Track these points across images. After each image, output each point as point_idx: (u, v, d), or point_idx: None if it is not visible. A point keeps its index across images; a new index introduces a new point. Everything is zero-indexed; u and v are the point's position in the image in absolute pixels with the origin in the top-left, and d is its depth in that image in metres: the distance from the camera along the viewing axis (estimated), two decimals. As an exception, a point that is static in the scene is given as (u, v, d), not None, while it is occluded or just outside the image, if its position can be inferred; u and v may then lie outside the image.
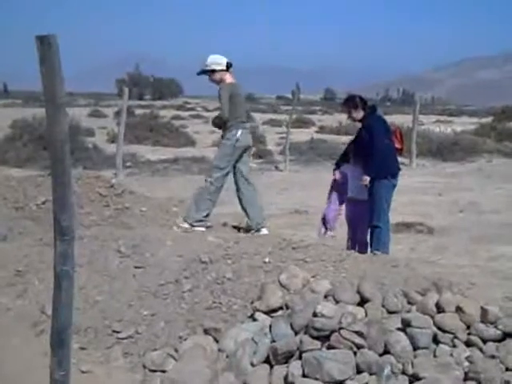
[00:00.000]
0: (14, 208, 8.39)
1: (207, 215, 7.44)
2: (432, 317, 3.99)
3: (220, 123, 7.37)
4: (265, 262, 5.31)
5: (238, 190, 7.62)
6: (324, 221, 7.45)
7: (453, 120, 51.30)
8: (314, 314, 4.13)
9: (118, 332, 4.84)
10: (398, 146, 7.17)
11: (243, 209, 7.56)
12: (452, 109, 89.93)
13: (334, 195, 7.39)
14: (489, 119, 41.18)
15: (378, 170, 6.80)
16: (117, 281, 5.36)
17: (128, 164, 17.19)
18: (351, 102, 7.14)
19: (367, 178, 6.79)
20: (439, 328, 3.93)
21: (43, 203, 8.53)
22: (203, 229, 7.20)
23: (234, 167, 7.44)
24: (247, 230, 7.56)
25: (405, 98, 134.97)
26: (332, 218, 7.37)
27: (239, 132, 7.24)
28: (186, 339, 4.60)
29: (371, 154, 6.74)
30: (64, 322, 3.01)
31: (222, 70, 7.24)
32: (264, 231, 7.30)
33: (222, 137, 7.38)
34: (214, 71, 7.23)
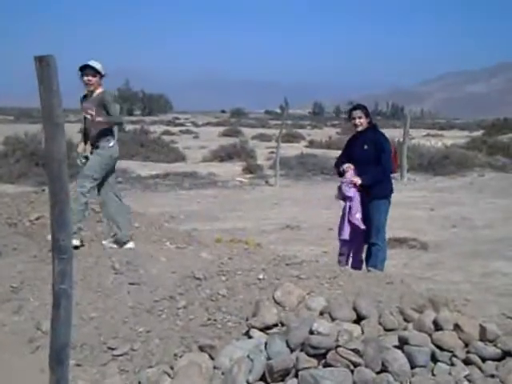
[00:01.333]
0: (7, 224, 8.36)
1: (80, 228, 7.07)
2: (430, 335, 3.96)
3: (102, 131, 6.96)
4: (259, 279, 5.30)
5: (105, 201, 7.18)
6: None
7: (443, 134, 51.57)
8: (310, 332, 4.11)
9: (113, 349, 4.81)
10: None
11: (112, 220, 7.14)
12: (442, 122, 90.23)
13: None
14: (479, 133, 41.42)
15: (383, 188, 6.86)
16: (111, 297, 5.34)
17: (119, 179, 17.15)
18: (365, 109, 7.11)
19: (359, 180, 6.77)
20: (437, 346, 3.90)
21: (37, 219, 8.50)
22: (78, 242, 6.76)
23: (103, 178, 7.07)
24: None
25: (394, 111, 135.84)
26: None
27: (114, 142, 6.95)
28: (181, 356, 4.57)
29: (376, 169, 6.77)
30: (62, 340, 2.99)
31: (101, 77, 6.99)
32: (130, 245, 7.02)
33: (94, 146, 6.92)
34: (102, 76, 6.94)
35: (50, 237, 2.99)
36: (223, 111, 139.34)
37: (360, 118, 7.04)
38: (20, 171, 17.75)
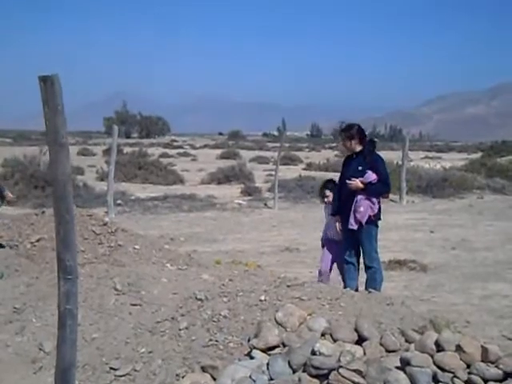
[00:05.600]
0: (8, 246, 8.40)
1: None
2: (431, 355, 3.96)
3: None
4: (261, 300, 5.32)
5: None
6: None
7: (441, 156, 51.71)
8: (313, 352, 4.13)
9: (115, 369, 4.82)
10: None
11: None
12: (440, 145, 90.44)
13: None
14: (478, 155, 41.51)
15: (378, 213, 6.95)
16: (113, 318, 5.35)
17: (118, 202, 17.19)
18: (347, 132, 7.07)
19: (358, 184, 6.84)
20: (439, 367, 3.89)
21: (37, 241, 8.52)
22: None
23: None
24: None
25: (392, 133, 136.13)
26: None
27: None
28: (183, 377, 4.58)
29: (376, 185, 6.87)
30: (68, 360, 3.02)
31: None
32: None
33: None
34: None
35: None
36: (220, 133, 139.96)
37: (345, 142, 7.11)
38: (19, 193, 17.68)
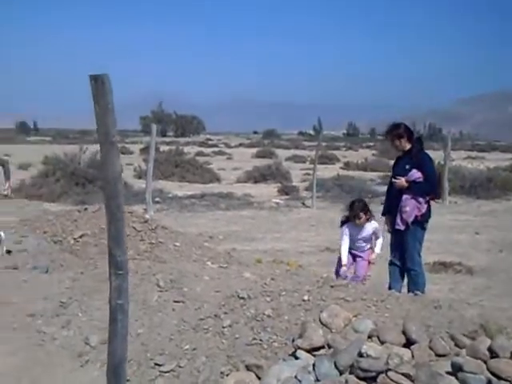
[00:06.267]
0: (52, 241, 8.55)
1: None
2: (484, 362, 3.85)
3: None
4: (304, 300, 5.27)
5: None
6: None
7: (484, 156, 50.57)
8: (360, 354, 4.07)
9: (160, 365, 4.85)
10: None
11: None
12: (482, 144, 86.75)
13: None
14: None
15: (426, 214, 6.84)
16: (157, 314, 5.38)
17: (156, 200, 17.32)
18: (396, 131, 6.98)
19: (403, 182, 6.77)
20: (493, 374, 3.75)
21: (80, 237, 8.68)
22: None
23: None
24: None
25: (432, 132, 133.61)
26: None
27: None
28: (227, 375, 4.58)
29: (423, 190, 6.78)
30: (119, 355, 3.02)
31: None
32: None
33: None
34: None
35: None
36: (255, 132, 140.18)
37: (393, 141, 7.00)
38: (60, 190, 18.12)
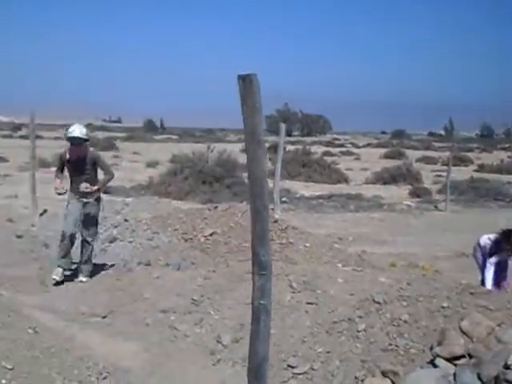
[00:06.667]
0: (183, 239, 8.78)
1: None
2: None
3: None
4: (443, 307, 5.08)
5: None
6: None
7: None
8: (506, 366, 3.85)
9: (293, 367, 4.86)
10: None
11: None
12: None
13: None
14: None
15: None
16: (289, 315, 5.40)
17: (283, 199, 17.37)
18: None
19: None
20: None
21: (210, 235, 8.86)
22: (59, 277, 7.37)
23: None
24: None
25: None
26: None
27: None
28: (362, 380, 4.51)
29: None
30: (261, 355, 3.04)
31: None
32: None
33: (91, 195, 7.43)
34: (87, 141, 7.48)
35: None
36: (383, 132, 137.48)
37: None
38: (188, 188, 18.41)
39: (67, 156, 7.35)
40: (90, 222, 7.46)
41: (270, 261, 3.08)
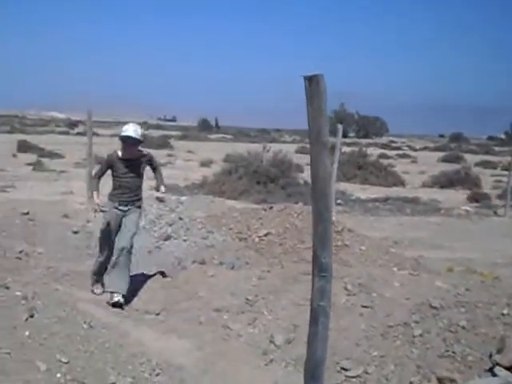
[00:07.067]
0: (237, 238, 8.83)
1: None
2: None
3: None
4: (503, 314, 4.98)
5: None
6: None
7: None
8: None
9: (346, 370, 4.83)
10: None
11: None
12: None
13: None
14: None
15: None
16: (344, 318, 5.37)
17: (338, 201, 17.24)
18: None
19: None
20: None
21: (265, 235, 8.88)
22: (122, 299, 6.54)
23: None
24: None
25: None
26: None
27: None
28: (417, 386, 4.45)
29: None
30: (319, 357, 3.04)
31: None
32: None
33: (133, 203, 6.84)
34: (141, 142, 6.87)
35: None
36: (441, 136, 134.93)
37: None
38: (242, 188, 18.41)
39: (119, 155, 6.72)
40: (129, 230, 6.72)
41: (331, 263, 3.07)
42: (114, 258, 6.64)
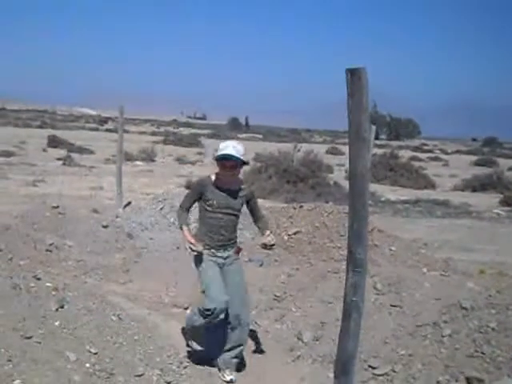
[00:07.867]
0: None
1: None
2: None
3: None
4: (535, 317, 4.93)
5: None
6: None
7: None
8: None
9: (373, 368, 4.84)
10: None
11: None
12: None
13: None
14: None
15: None
16: (372, 316, 5.37)
17: (369, 202, 17.17)
18: None
19: None
20: None
21: (294, 234, 8.92)
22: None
23: None
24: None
25: None
26: None
27: None
28: (445, 386, 4.44)
29: None
30: (350, 351, 3.06)
31: None
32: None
33: (231, 247, 5.14)
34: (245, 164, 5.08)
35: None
36: (474, 139, 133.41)
37: None
38: (272, 187, 18.41)
39: (213, 181, 4.99)
40: (239, 288, 5.08)
41: (366, 259, 3.08)
42: (229, 330, 5.03)
